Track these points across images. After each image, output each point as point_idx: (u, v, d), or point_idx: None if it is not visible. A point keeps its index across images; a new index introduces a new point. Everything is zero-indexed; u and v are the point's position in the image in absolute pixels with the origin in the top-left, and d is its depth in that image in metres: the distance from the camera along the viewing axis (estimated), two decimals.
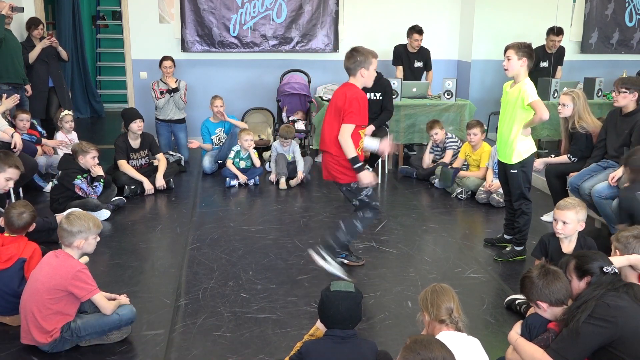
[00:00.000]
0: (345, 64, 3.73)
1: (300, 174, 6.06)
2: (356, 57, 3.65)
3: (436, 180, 6.01)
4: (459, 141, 6.31)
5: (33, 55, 6.58)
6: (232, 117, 6.85)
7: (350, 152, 3.61)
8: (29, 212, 3.41)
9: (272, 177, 6.15)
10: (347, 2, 7.77)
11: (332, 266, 3.74)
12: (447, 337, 2.24)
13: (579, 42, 8.30)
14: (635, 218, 3.72)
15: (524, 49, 3.86)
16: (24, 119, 5.77)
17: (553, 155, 5.35)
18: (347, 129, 3.58)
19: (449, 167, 5.87)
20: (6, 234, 3.35)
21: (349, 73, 3.73)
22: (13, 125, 5.50)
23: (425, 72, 7.50)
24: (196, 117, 7.38)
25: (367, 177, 3.66)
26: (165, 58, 6.85)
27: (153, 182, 5.74)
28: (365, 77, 3.69)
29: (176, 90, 6.82)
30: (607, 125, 4.75)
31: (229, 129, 6.73)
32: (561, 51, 7.65)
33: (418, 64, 7.38)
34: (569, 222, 3.29)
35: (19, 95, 5.75)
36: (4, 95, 5.55)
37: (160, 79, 6.88)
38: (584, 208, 3.37)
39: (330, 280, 3.40)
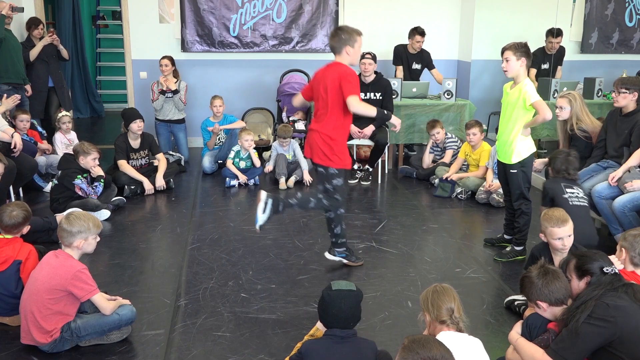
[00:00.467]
0: (331, 42, 3.77)
1: (307, 175, 6.07)
2: (341, 35, 3.68)
3: (435, 181, 6.01)
4: (459, 141, 6.31)
5: (34, 52, 6.57)
6: (231, 117, 6.85)
7: (371, 111, 3.73)
8: (21, 211, 3.34)
9: (269, 169, 6.20)
10: (347, 2, 7.77)
11: (264, 215, 3.70)
12: (447, 337, 2.24)
13: (579, 42, 8.30)
14: (555, 203, 3.88)
15: (521, 48, 3.86)
16: (24, 120, 5.77)
17: None
18: (354, 100, 3.58)
19: (446, 179, 5.82)
20: (0, 236, 3.33)
21: (335, 52, 3.76)
22: (13, 126, 5.50)
23: (428, 70, 7.45)
24: (196, 117, 7.38)
25: (397, 120, 4.07)
26: (162, 57, 6.85)
27: (153, 182, 5.75)
28: (351, 55, 3.72)
29: (176, 92, 6.82)
30: (607, 125, 4.75)
31: (229, 129, 6.73)
32: (561, 51, 7.66)
33: (416, 66, 7.36)
34: (571, 233, 3.22)
35: (19, 96, 5.74)
36: (4, 96, 5.55)
37: (159, 81, 6.87)
38: None
39: (330, 279, 3.41)
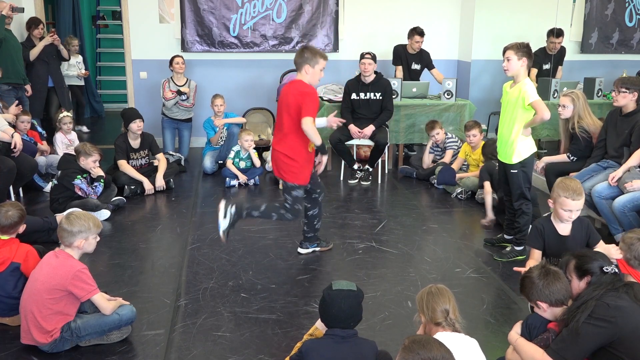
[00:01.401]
0: (294, 59, 3.91)
1: None
2: (304, 53, 3.82)
3: (436, 180, 6.01)
4: (459, 141, 6.31)
5: (34, 52, 6.57)
6: (232, 115, 6.84)
7: (317, 140, 3.78)
8: (16, 210, 3.33)
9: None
10: (347, 2, 7.77)
11: (225, 220, 3.85)
12: (444, 337, 2.24)
13: (579, 42, 8.30)
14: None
15: (522, 48, 3.87)
16: (25, 121, 5.78)
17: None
18: (308, 121, 3.70)
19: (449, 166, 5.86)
20: None
21: (296, 68, 3.91)
22: (13, 126, 5.49)
23: (428, 70, 7.43)
24: (197, 117, 7.38)
25: (325, 159, 4.04)
26: (176, 56, 6.93)
27: (153, 182, 5.75)
28: (309, 75, 3.83)
29: (184, 95, 6.83)
30: (607, 125, 4.76)
31: (230, 127, 6.73)
32: (562, 51, 7.65)
33: (415, 66, 7.35)
34: (581, 208, 3.26)
35: (22, 112, 5.72)
36: (15, 102, 5.56)
37: (171, 78, 6.88)
38: None
39: (330, 279, 3.41)
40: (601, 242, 3.30)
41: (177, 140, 7.19)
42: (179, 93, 6.81)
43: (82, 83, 8.77)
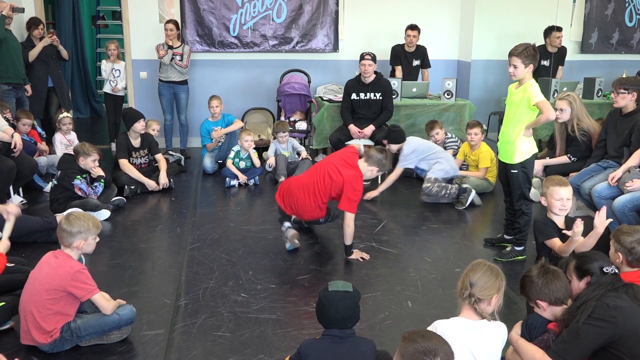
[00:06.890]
0: None
1: (304, 154, 6.33)
2: None
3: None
4: (459, 141, 6.31)
5: (33, 53, 6.57)
6: (230, 117, 6.83)
7: (350, 239, 4.12)
8: None
9: (270, 163, 6.26)
10: (347, 2, 7.77)
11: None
12: (446, 324, 2.28)
13: (579, 42, 8.31)
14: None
15: (529, 56, 3.81)
16: (27, 124, 5.78)
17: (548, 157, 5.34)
18: (351, 217, 4.04)
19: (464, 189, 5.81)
20: None
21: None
22: (13, 126, 5.50)
23: (422, 68, 7.47)
24: (196, 117, 7.38)
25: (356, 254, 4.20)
26: (168, 21, 6.89)
27: (155, 181, 5.75)
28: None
29: (178, 56, 6.87)
30: (607, 125, 4.76)
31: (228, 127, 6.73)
32: (563, 51, 7.65)
33: (416, 62, 7.39)
34: (570, 198, 3.37)
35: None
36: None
37: (165, 42, 6.89)
38: None
39: (330, 279, 3.41)
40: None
41: (175, 104, 7.17)
42: (170, 47, 6.80)
43: (118, 94, 7.26)
